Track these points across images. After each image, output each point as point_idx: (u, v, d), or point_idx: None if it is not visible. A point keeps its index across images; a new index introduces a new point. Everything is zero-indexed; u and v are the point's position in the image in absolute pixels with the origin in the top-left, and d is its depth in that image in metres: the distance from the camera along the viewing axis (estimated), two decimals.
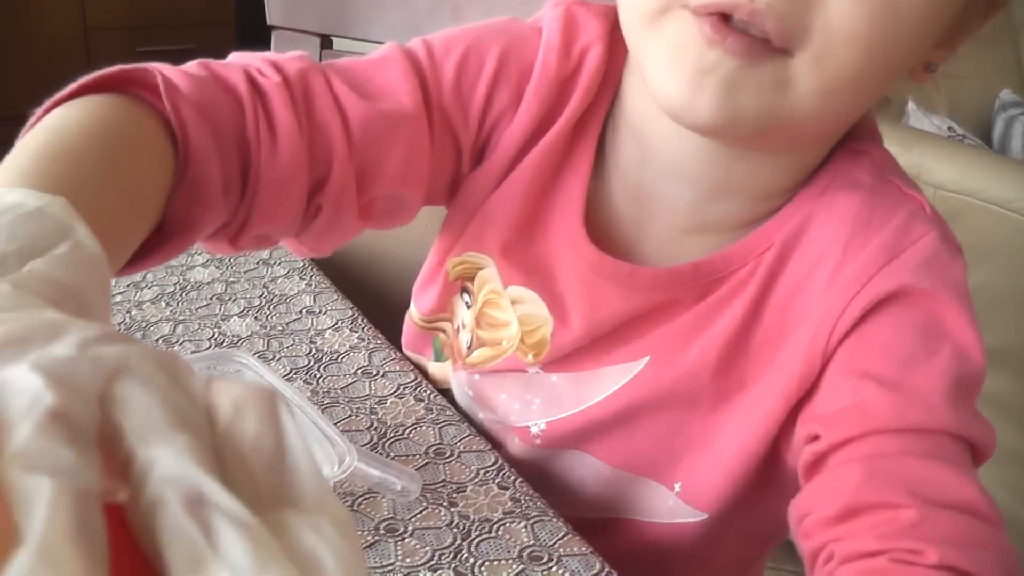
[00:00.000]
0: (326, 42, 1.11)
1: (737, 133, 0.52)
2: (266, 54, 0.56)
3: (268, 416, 0.23)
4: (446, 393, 0.74)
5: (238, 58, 0.55)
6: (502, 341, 0.66)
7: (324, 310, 0.85)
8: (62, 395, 0.21)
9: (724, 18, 0.48)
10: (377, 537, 0.59)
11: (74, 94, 0.47)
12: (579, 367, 0.64)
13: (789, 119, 0.50)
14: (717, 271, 0.60)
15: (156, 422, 0.21)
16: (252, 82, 0.53)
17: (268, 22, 1.10)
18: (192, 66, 0.52)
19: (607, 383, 0.64)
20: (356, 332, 0.81)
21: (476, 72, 0.60)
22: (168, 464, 0.21)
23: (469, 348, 0.69)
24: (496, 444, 0.69)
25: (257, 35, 3.57)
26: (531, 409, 0.67)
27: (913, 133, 1.59)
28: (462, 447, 0.68)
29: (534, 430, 0.67)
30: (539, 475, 0.66)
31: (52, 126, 0.44)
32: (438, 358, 0.75)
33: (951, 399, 0.52)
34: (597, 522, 0.66)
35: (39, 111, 0.46)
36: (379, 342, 0.80)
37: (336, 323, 0.83)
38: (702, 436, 0.62)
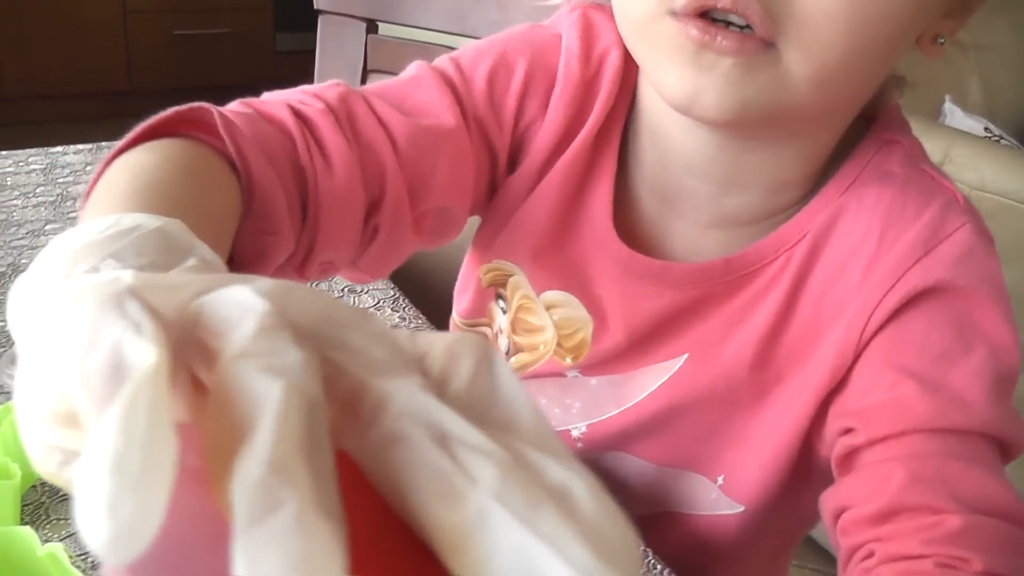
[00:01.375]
0: (371, 27, 1.12)
1: (744, 124, 0.52)
2: (302, 87, 0.57)
3: (483, 360, 0.22)
4: None
5: (275, 95, 0.56)
6: (539, 346, 0.67)
7: (366, 289, 0.87)
8: (277, 308, 0.21)
9: (710, 20, 0.48)
10: None
11: (134, 141, 0.46)
12: (618, 369, 0.65)
13: (790, 107, 0.51)
14: (749, 265, 0.60)
15: (384, 361, 0.21)
16: (296, 112, 0.53)
17: (316, 7, 1.11)
18: (235, 105, 0.53)
19: (646, 383, 0.64)
20: (397, 312, 0.83)
21: (506, 83, 0.61)
22: (407, 399, 0.20)
23: (508, 354, 0.69)
24: None
25: (293, 21, 3.63)
26: (571, 413, 0.67)
27: (949, 132, 1.59)
28: None
29: (575, 433, 0.67)
30: None
31: (128, 167, 0.44)
32: None
33: (989, 399, 0.53)
34: (644, 518, 0.67)
35: (102, 163, 0.46)
36: (420, 322, 0.82)
37: (378, 302, 0.84)
38: (743, 430, 0.63)
